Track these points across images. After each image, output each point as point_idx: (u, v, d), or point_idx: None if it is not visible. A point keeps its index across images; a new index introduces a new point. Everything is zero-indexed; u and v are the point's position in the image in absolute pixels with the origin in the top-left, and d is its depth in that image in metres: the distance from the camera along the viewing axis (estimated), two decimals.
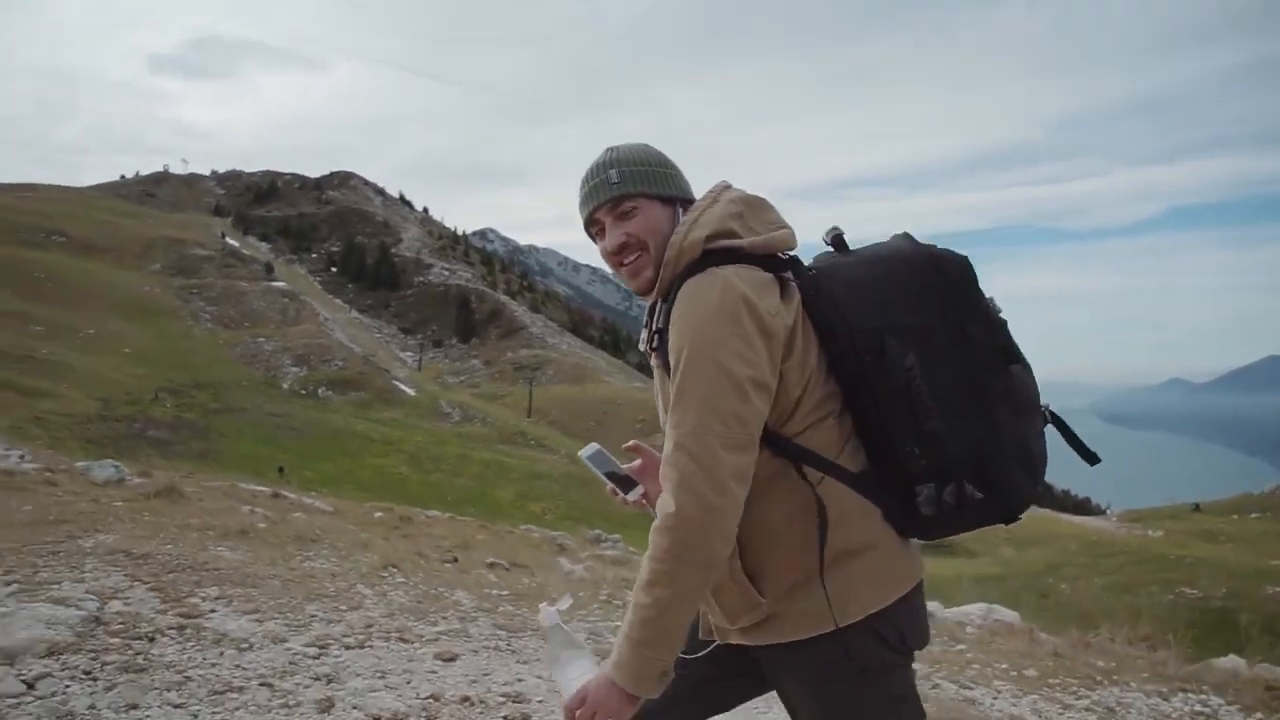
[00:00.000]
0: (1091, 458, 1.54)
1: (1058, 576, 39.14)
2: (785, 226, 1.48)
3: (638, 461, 1.67)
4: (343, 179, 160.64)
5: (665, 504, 1.30)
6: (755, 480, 1.34)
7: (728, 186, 1.50)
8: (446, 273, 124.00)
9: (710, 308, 1.32)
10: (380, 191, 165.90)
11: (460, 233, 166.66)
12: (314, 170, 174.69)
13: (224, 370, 63.47)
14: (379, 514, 8.38)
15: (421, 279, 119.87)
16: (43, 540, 4.49)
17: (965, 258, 1.43)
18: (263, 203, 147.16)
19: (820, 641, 1.37)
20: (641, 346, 1.53)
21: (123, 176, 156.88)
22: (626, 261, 1.47)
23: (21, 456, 7.61)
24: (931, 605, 4.65)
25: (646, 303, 1.51)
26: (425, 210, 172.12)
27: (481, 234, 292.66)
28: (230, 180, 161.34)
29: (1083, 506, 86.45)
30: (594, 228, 1.51)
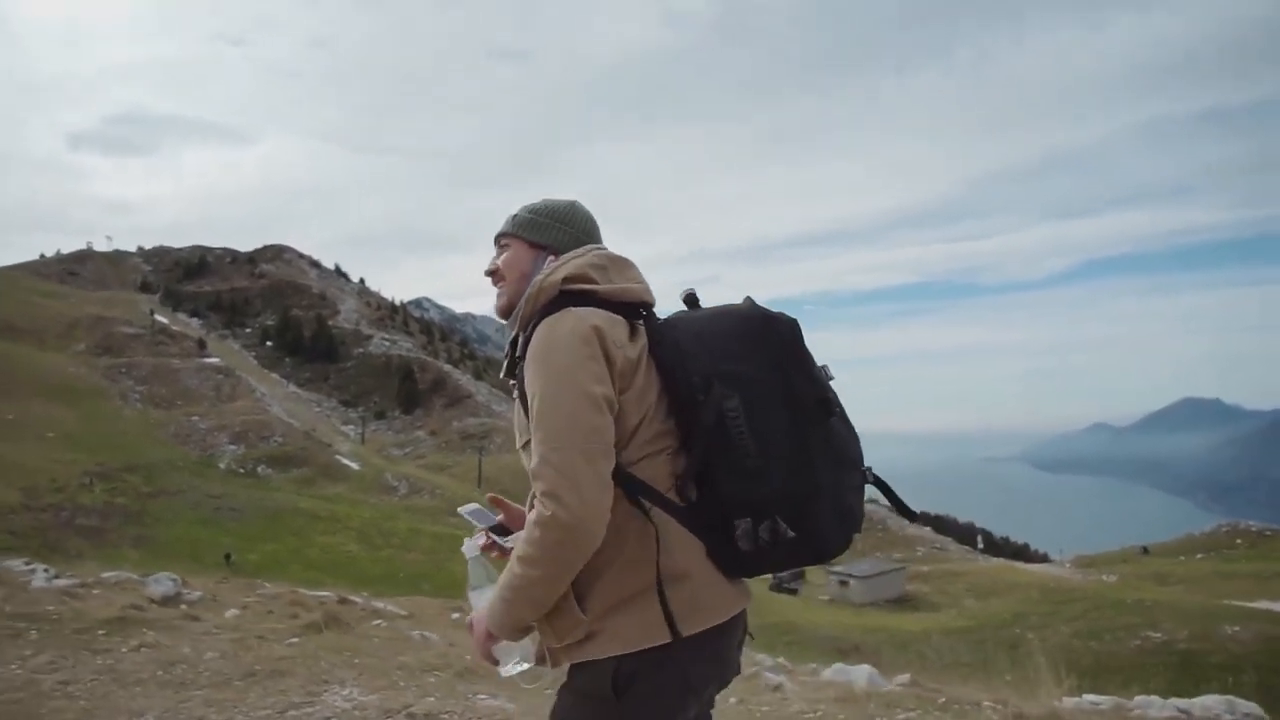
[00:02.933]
0: (910, 515, 1.79)
1: (1024, 626, 39.27)
2: (642, 283, 1.69)
3: (501, 514, 1.83)
4: (276, 252, 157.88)
5: (539, 509, 1.43)
6: None
7: (597, 246, 1.73)
8: (387, 343, 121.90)
9: (564, 336, 1.50)
10: (315, 264, 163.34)
11: (398, 303, 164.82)
12: (246, 244, 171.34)
13: (157, 451, 60.54)
14: (456, 615, 7.81)
15: (361, 350, 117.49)
16: (290, 702, 3.99)
17: (795, 320, 1.60)
18: (192, 278, 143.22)
19: (599, 663, 1.50)
20: (502, 375, 1.71)
21: (42, 255, 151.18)
22: (495, 285, 1.74)
23: (46, 569, 6.84)
24: (1184, 703, 4.32)
25: (509, 328, 1.71)
26: (362, 281, 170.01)
27: (417, 303, 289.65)
28: (158, 256, 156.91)
29: (1022, 552, 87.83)
30: None
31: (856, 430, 1.64)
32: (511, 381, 1.63)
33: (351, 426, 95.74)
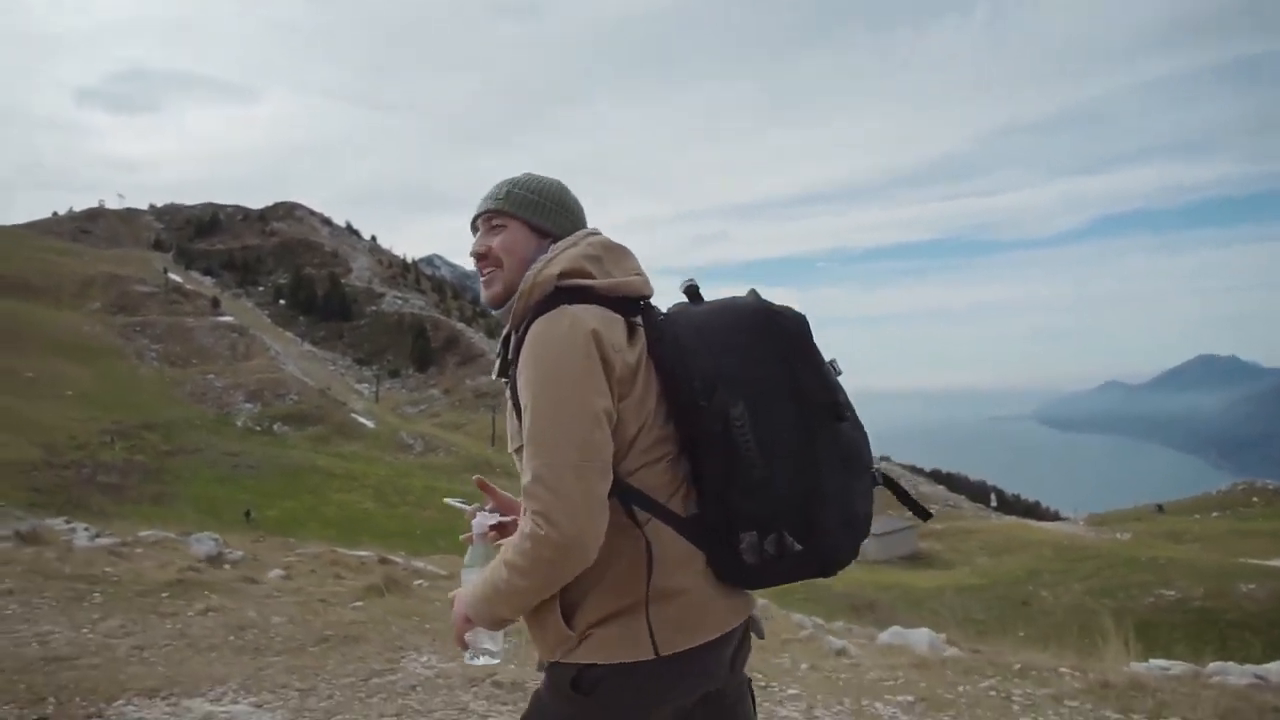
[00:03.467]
0: (924, 514, 1.75)
1: (1037, 583, 39.46)
2: (641, 274, 1.56)
3: (491, 501, 1.72)
4: (287, 209, 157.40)
5: (533, 526, 1.34)
6: None
7: (594, 232, 1.60)
8: (399, 301, 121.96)
9: (560, 342, 1.39)
10: (327, 221, 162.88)
11: (409, 260, 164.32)
12: (255, 202, 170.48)
13: (174, 410, 61.08)
14: None
15: (374, 309, 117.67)
16: (372, 669, 3.90)
17: (802, 316, 1.49)
18: (205, 236, 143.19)
19: (588, 670, 1.42)
20: (493, 375, 1.58)
21: (55, 213, 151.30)
22: (483, 272, 1.58)
23: (86, 528, 6.80)
24: (1260, 669, 4.15)
25: (502, 320, 1.58)
26: (373, 239, 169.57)
27: (429, 260, 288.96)
28: (169, 214, 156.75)
29: (1032, 510, 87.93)
30: (475, 231, 1.65)
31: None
32: (504, 381, 1.52)
33: (366, 385, 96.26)
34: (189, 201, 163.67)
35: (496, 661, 1.60)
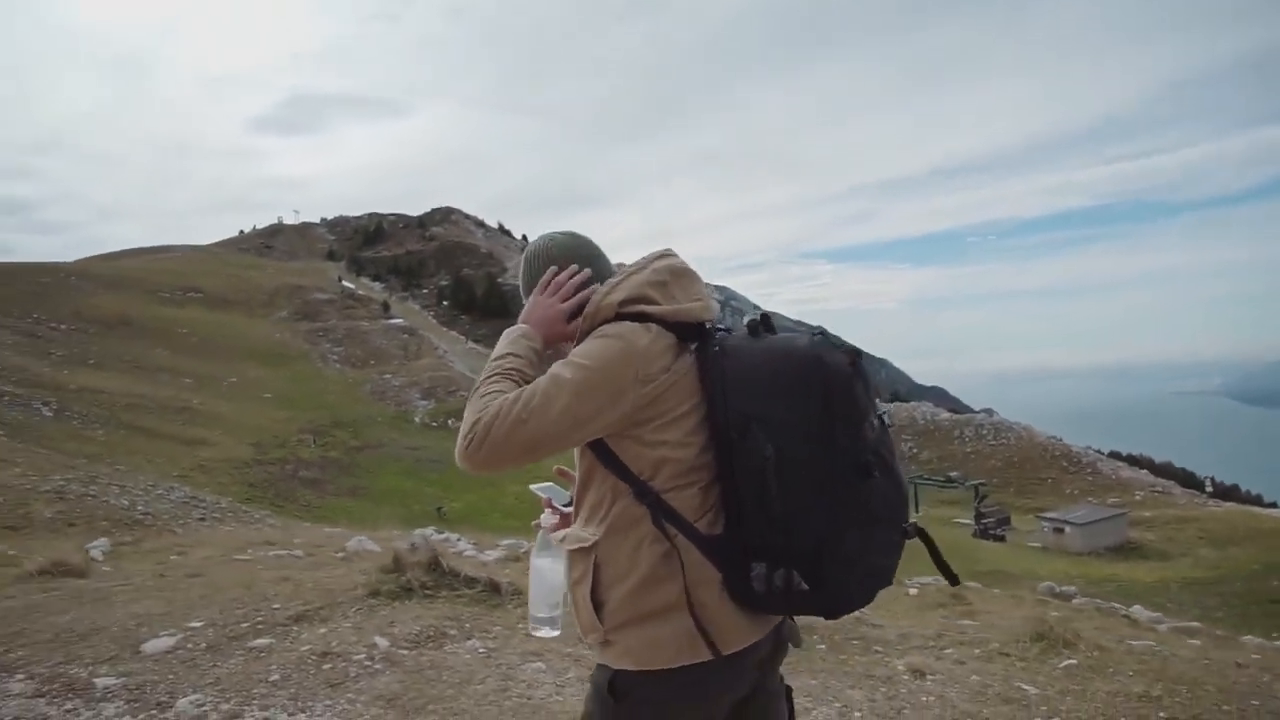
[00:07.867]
0: (954, 579, 1.70)
1: None
2: (702, 300, 1.62)
3: (573, 488, 1.76)
4: (444, 214, 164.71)
5: (495, 411, 1.45)
6: (617, 519, 1.54)
7: (662, 255, 1.65)
8: None
9: (602, 343, 1.50)
10: (481, 224, 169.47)
11: None
12: (414, 209, 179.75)
13: (358, 408, 64.81)
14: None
15: None
16: None
17: (852, 363, 1.46)
18: (371, 244, 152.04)
19: (620, 676, 1.55)
20: None
21: (241, 231, 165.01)
22: None
23: (459, 538, 6.49)
24: None
25: None
26: (524, 238, 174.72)
27: None
28: (339, 226, 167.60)
29: (1232, 493, 79.09)
30: None
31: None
32: None
33: None
34: (355, 213, 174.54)
35: (556, 633, 1.70)
